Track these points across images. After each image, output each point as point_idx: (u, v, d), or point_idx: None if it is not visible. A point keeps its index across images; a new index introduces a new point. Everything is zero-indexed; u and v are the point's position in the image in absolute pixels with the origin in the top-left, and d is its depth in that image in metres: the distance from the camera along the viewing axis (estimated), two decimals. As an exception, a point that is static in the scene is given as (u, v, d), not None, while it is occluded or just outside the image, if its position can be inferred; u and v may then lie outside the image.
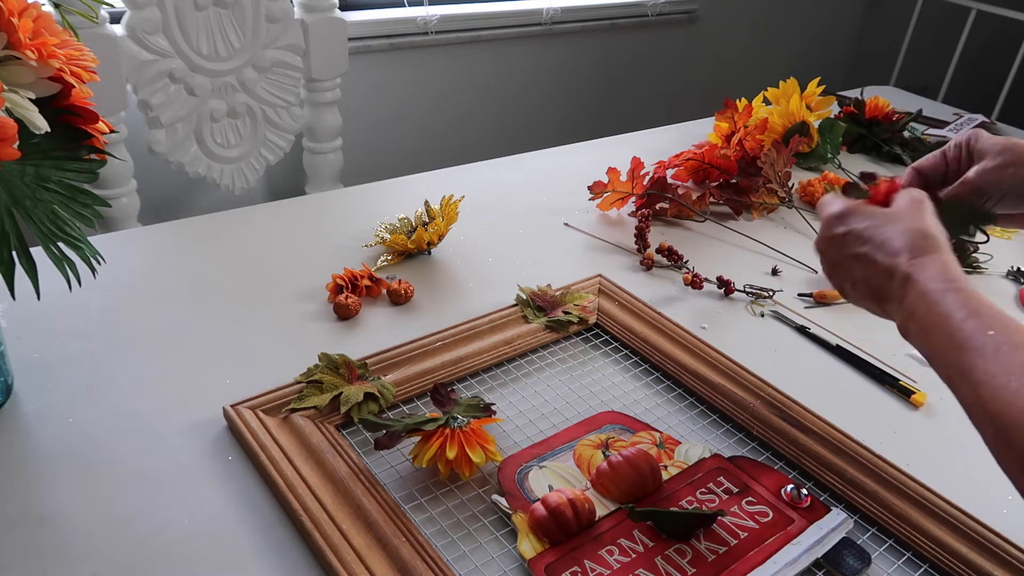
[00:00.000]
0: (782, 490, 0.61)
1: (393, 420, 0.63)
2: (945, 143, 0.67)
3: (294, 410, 0.64)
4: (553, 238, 0.98)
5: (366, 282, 0.82)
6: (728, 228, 1.05)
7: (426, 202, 0.93)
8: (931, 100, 1.69)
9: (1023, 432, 0.41)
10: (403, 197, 1.03)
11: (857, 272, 0.57)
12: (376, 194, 1.06)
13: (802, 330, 0.85)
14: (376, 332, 0.77)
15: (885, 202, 0.61)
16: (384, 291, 0.83)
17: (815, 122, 1.25)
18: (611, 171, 1.02)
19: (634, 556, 0.55)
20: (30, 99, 0.51)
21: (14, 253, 0.54)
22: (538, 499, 0.57)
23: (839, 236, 0.58)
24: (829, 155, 1.26)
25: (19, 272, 0.55)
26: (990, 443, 0.44)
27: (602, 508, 0.59)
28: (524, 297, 0.81)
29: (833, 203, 0.60)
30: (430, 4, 1.90)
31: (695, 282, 0.89)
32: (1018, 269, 1.01)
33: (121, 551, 0.53)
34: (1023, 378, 0.42)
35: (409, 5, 1.88)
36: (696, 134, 1.31)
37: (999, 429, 0.43)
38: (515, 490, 0.60)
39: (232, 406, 0.64)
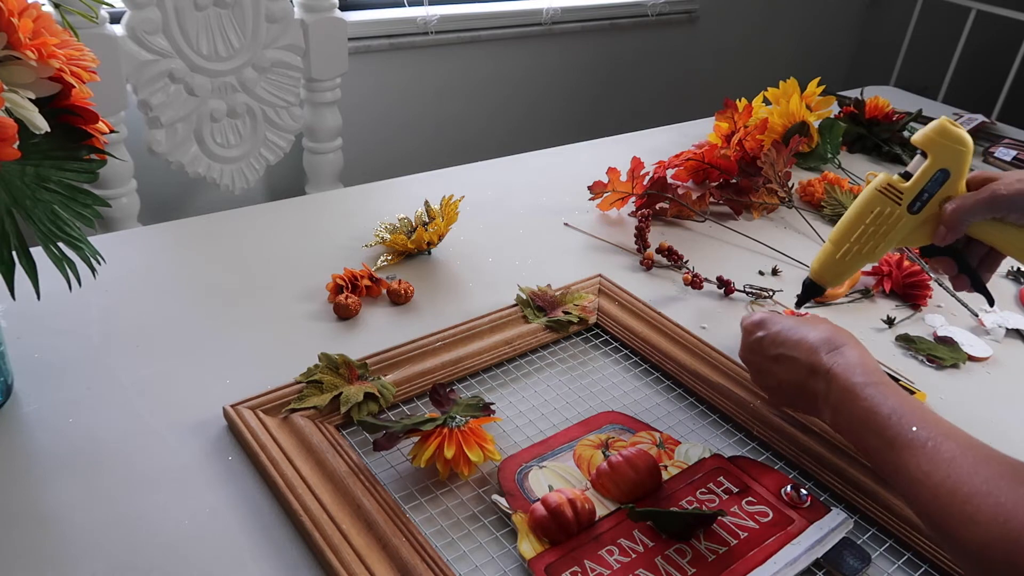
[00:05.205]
0: (782, 490, 0.61)
1: (392, 421, 0.63)
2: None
3: (294, 410, 0.64)
4: (553, 238, 0.98)
5: (366, 282, 0.82)
6: (728, 228, 1.05)
7: (426, 202, 0.93)
8: (931, 100, 1.69)
9: (963, 531, 0.44)
10: (403, 197, 1.03)
11: (781, 374, 0.62)
12: (376, 194, 1.06)
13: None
14: (376, 332, 0.77)
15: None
16: (384, 291, 0.83)
17: (815, 122, 1.25)
18: (611, 171, 1.02)
19: (634, 556, 0.55)
20: (30, 99, 0.51)
21: (14, 253, 0.54)
22: (538, 499, 0.57)
23: (757, 341, 0.64)
24: (829, 155, 1.26)
25: (19, 272, 0.55)
26: (933, 534, 0.48)
27: (602, 508, 0.59)
28: (524, 297, 0.81)
29: (752, 316, 0.67)
30: (430, 4, 1.90)
31: (695, 282, 0.89)
32: (1018, 269, 1.01)
33: (121, 551, 0.53)
34: (949, 470, 0.46)
35: (409, 5, 1.89)
36: (696, 134, 1.31)
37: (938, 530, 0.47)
38: (515, 490, 0.60)
39: (232, 406, 0.64)
